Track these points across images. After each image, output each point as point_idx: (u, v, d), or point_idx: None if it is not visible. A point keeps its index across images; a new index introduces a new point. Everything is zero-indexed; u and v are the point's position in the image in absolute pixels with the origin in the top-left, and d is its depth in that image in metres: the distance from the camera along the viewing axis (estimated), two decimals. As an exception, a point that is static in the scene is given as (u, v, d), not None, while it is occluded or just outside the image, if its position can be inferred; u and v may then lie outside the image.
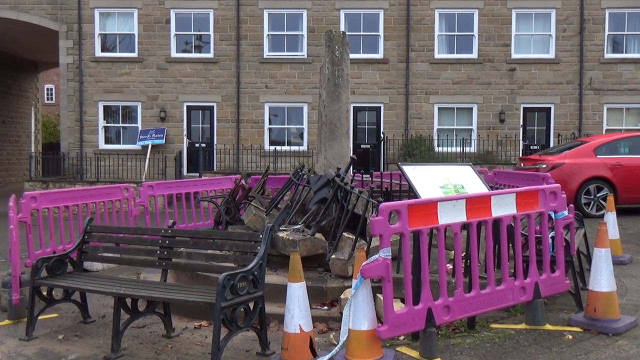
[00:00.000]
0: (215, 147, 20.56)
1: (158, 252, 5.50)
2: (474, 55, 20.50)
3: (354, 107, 20.45)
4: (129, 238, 5.88)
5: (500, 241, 4.89)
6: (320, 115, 7.70)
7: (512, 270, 5.03)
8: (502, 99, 20.51)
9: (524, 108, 20.61)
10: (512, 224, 4.99)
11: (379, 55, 20.57)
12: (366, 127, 20.88)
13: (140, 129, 20.65)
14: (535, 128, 20.88)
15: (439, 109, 20.68)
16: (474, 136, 20.46)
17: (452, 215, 4.50)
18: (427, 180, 4.85)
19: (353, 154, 20.67)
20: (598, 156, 12.73)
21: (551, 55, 20.47)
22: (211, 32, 20.61)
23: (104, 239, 6.00)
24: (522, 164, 13.75)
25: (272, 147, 20.45)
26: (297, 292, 4.32)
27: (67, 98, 20.79)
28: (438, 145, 20.31)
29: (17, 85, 29.07)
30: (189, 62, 20.56)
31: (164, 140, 20.24)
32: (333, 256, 6.06)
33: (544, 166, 12.73)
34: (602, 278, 4.95)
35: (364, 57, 20.44)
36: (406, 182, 5.84)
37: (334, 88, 7.56)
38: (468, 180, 5.05)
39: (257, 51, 20.55)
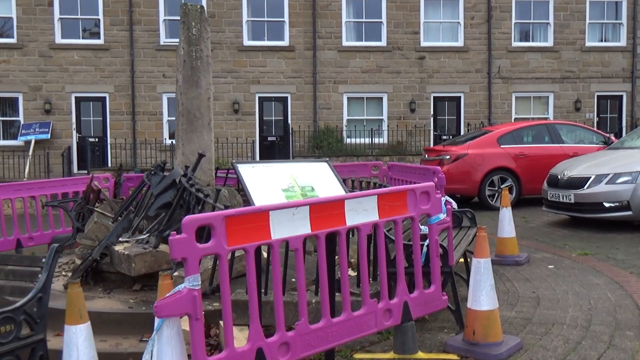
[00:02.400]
0: (108, 142, 18.89)
1: None
2: (383, 42, 19.85)
3: (259, 97, 19.38)
4: None
5: (359, 255, 3.95)
6: (177, 104, 6.56)
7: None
8: (412, 88, 19.99)
9: (434, 97, 20.19)
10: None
11: (285, 42, 19.53)
12: (273, 118, 19.82)
13: (22, 122, 18.66)
14: (446, 117, 20.53)
15: (349, 98, 19.91)
16: (385, 127, 19.84)
17: (291, 227, 3.51)
18: (266, 182, 3.85)
19: (260, 146, 19.67)
20: (502, 146, 12.25)
21: (460, 43, 20.12)
22: (100, 16, 18.87)
23: None
24: (426, 155, 13.12)
25: (172, 141, 19.01)
26: (77, 339, 3.20)
27: None
28: (348, 137, 19.55)
29: None
30: (76, 48, 18.73)
31: (49, 135, 18.39)
32: (176, 273, 4.97)
33: (447, 157, 12.12)
34: (482, 294, 4.13)
35: (268, 45, 19.35)
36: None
37: (191, 72, 6.42)
38: (321, 181, 4.10)
39: (152, 37, 19.00)
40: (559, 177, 9.45)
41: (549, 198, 9.59)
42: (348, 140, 19.39)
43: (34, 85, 18.68)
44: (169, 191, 5.36)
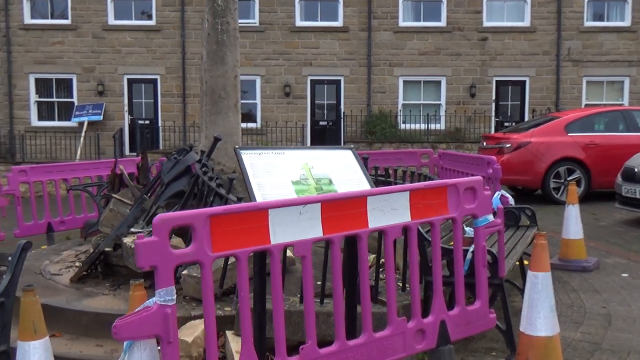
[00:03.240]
0: (160, 124, 18.73)
1: None
2: (442, 23, 18.74)
3: (311, 79, 18.73)
4: None
5: (385, 263, 3.24)
6: (201, 83, 5.98)
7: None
8: (472, 71, 18.82)
9: (496, 81, 18.95)
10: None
11: (339, 23, 18.73)
12: (325, 102, 19.12)
13: (76, 104, 18.74)
14: (509, 103, 19.26)
15: (405, 82, 18.96)
16: (442, 112, 18.79)
17: (296, 229, 2.84)
18: (274, 173, 3.18)
19: (311, 131, 19.03)
20: (570, 134, 11.09)
21: (526, 23, 18.75)
22: (152, -3, 18.63)
23: None
24: (484, 143, 12.12)
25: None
26: (30, 358, 2.65)
27: (-6, 70, 18.79)
28: (403, 122, 18.63)
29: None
30: (128, 30, 18.59)
31: (101, 117, 18.38)
32: (185, 272, 4.40)
33: (507, 145, 11.10)
34: (539, 317, 3.33)
35: (321, 25, 18.62)
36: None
37: (216, 46, 5.81)
38: (342, 172, 3.39)
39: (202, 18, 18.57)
40: (636, 170, 8.35)
41: (623, 194, 8.50)
42: (403, 126, 18.48)
43: (88, 67, 18.70)
44: (182, 179, 4.80)
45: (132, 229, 5.07)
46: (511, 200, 5.68)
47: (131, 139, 18.87)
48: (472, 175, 6.73)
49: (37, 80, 18.87)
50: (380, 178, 6.06)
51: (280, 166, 3.27)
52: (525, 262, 4.94)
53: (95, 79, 18.69)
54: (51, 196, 8.11)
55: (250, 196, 3.07)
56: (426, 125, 18.15)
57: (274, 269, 2.80)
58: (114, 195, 5.78)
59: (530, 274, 3.40)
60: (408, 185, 3.27)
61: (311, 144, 18.87)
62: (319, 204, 2.92)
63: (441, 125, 18.62)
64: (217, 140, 4.72)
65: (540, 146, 10.94)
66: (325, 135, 18.48)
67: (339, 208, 3.00)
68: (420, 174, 5.62)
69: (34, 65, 18.67)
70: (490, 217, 3.62)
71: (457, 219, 3.47)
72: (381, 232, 3.20)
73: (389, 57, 18.69)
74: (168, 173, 4.76)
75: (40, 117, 19.02)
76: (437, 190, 3.42)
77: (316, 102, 19.02)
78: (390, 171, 6.19)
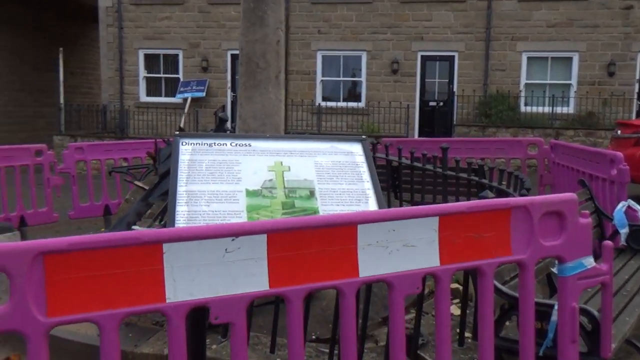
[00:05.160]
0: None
1: None
2: (578, -11, 16.23)
3: (421, 56, 17.13)
4: None
5: (388, 341, 1.97)
6: (240, 52, 4.90)
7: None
8: (612, 46, 16.16)
9: (642, 58, 16.16)
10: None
11: (455, -9, 16.88)
12: (436, 80, 17.42)
13: (181, 79, 18.65)
14: (657, 84, 16.38)
15: (529, 58, 16.73)
16: (572, 93, 16.38)
17: (219, 278, 1.68)
18: (222, 175, 2.02)
19: (419, 112, 17.46)
20: None
21: (684, -13, 15.72)
22: (258, -31, 17.89)
23: None
24: (619, 131, 10.00)
25: (325, 103, 17.66)
26: None
27: (106, 45, 19.16)
28: (525, 104, 16.49)
29: (86, 34, 28.25)
30: (232, 3, 18.03)
31: (204, 93, 18.13)
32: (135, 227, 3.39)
33: (648, 135, 8.98)
34: None
35: (435, -6, 16.89)
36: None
37: (254, 4, 4.68)
38: (337, 178, 2.13)
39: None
40: None
41: None
42: (525, 109, 16.35)
43: (193, 42, 18.48)
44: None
45: (134, 227, 4.15)
46: (642, 215, 4.09)
47: (233, 117, 18.46)
48: (590, 176, 5.10)
49: (145, 56, 19.01)
50: (461, 174, 4.67)
51: (237, 166, 2.11)
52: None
53: (200, 54, 18.45)
54: (110, 177, 7.55)
55: (169, 212, 1.94)
56: (551, 108, 15.90)
57: (172, 340, 1.65)
58: (136, 182, 4.92)
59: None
60: (436, 206, 1.96)
61: (419, 127, 17.36)
62: (264, 236, 1.72)
63: (570, 109, 16.25)
64: (222, 121, 3.64)
65: (693, 137, 8.73)
66: (434, 117, 16.85)
67: (304, 242, 1.78)
68: (511, 172, 4.16)
69: (143, 41, 18.79)
70: (589, 262, 2.20)
71: (526, 264, 2.10)
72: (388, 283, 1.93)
73: (512, 29, 16.55)
74: (164, 162, 3.75)
75: (148, 93, 19.19)
76: (492, 215, 2.06)
77: (426, 80, 17.38)
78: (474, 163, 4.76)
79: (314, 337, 3.20)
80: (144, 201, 4.23)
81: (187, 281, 1.64)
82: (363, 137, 2.37)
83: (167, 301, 1.63)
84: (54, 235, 7.15)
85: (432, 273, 1.96)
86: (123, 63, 18.95)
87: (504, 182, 4.30)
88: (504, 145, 6.80)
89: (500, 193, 4.06)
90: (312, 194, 2.07)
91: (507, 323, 3.00)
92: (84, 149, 7.56)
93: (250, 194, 2.03)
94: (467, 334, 3.09)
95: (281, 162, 2.11)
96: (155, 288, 1.63)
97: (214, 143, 2.16)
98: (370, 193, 2.11)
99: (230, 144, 2.17)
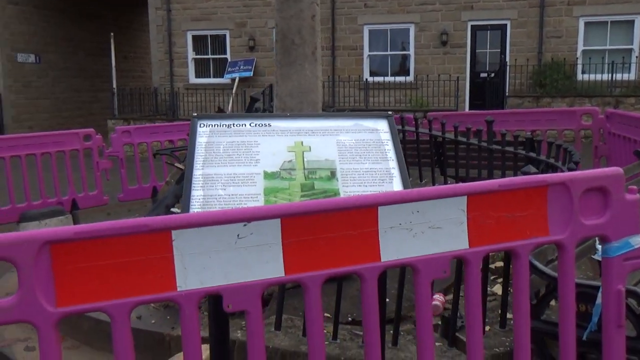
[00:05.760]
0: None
1: None
2: (640, -53, 15.26)
3: (471, 25, 16.58)
4: None
5: (418, 331, 1.87)
6: (275, 29, 4.82)
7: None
8: (678, 7, 15.18)
9: None
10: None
11: (507, -44, 16.18)
12: (487, 51, 16.84)
13: (229, 60, 18.74)
14: None
15: (586, 24, 15.92)
16: (633, 59, 15.52)
17: (231, 265, 1.62)
18: (239, 157, 1.94)
19: (470, 84, 16.96)
20: None
21: None
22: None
23: None
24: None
25: (372, 79, 17.38)
26: None
27: (156, 28, 19.41)
28: (583, 72, 15.74)
29: (138, 19, 28.74)
30: (277, -19, 17.90)
31: (252, 73, 18.16)
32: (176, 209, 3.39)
33: None
34: None
35: (486, -40, 16.24)
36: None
37: (287, -22, 4.58)
38: (360, 157, 2.02)
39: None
40: None
41: None
42: (580, 77, 15.62)
43: (240, 22, 18.49)
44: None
45: (173, 209, 4.18)
46: None
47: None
48: (647, 147, 4.79)
49: (193, 37, 19.17)
50: (506, 148, 4.46)
51: (255, 147, 2.04)
52: None
53: (247, 34, 18.45)
54: (157, 159, 7.66)
55: (184, 196, 1.89)
56: (610, 75, 15.11)
57: (184, 335, 1.61)
58: (176, 164, 4.95)
59: None
60: (465, 185, 1.83)
61: (469, 99, 16.88)
62: (278, 221, 1.65)
63: (631, 75, 15.40)
64: (254, 100, 3.57)
65: None
66: (485, 89, 16.32)
67: (321, 226, 1.70)
68: (559, 145, 3.93)
69: (191, 23, 18.94)
70: (636, 241, 2.03)
71: (565, 244, 1.96)
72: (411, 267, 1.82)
73: (568, -6, 15.78)
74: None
75: (197, 75, 19.39)
76: (527, 193, 1.92)
77: (477, 51, 16.83)
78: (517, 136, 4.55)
79: (350, 319, 3.13)
80: (181, 183, 4.23)
81: (198, 269, 1.60)
82: (389, 112, 2.25)
83: (179, 289, 1.59)
84: (106, 218, 7.34)
85: (460, 256, 1.85)
86: (172, 45, 19.18)
87: (552, 156, 4.09)
88: (555, 116, 6.48)
89: (548, 167, 3.86)
90: (333, 174, 1.98)
91: (553, 303, 2.86)
92: (131, 132, 7.68)
93: (268, 176, 1.96)
94: (509, 315, 2.95)
95: (302, 142, 2.03)
96: (166, 276, 1.59)
97: (233, 124, 2.09)
98: (395, 172, 2.00)
99: (250, 125, 2.10)
